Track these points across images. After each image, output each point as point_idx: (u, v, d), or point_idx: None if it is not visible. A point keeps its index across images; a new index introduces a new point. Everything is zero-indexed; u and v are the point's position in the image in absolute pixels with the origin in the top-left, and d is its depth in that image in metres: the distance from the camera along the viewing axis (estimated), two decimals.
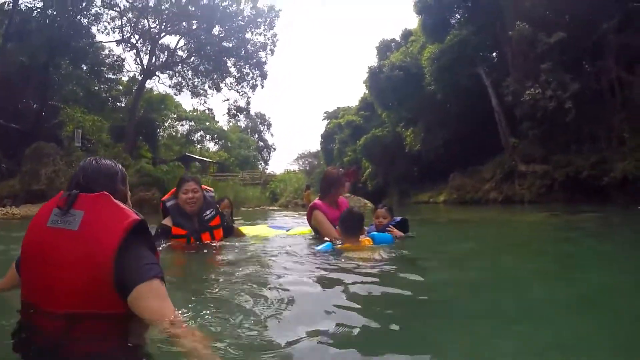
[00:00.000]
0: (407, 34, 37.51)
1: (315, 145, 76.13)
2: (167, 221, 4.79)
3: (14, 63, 28.55)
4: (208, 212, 5.00)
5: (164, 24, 35.01)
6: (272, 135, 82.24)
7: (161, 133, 50.76)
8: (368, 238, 4.86)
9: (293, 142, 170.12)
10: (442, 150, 32.48)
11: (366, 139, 41.03)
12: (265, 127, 79.21)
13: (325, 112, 57.61)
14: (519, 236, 7.91)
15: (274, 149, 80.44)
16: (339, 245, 4.67)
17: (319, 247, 4.62)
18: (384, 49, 38.78)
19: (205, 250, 4.73)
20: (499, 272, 4.03)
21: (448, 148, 31.95)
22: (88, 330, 1.91)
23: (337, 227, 5.03)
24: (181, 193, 4.84)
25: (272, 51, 37.75)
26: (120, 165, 2.37)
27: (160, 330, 1.81)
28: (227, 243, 5.10)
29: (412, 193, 36.22)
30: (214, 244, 4.89)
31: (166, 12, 34.27)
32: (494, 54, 31.19)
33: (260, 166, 67.82)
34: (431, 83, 30.41)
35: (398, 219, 5.82)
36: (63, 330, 1.90)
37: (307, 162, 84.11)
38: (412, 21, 37.86)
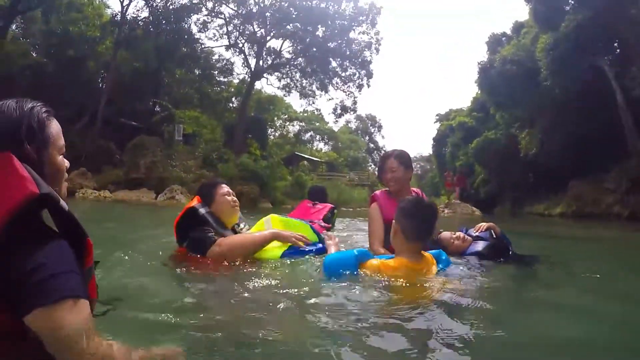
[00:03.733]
0: (518, 27, 34.77)
1: (427, 149, 73.97)
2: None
3: (128, 68, 31.84)
4: (242, 225, 4.15)
5: (269, 28, 36.24)
6: (382, 137, 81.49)
7: (272, 132, 52.93)
8: (430, 254, 3.23)
9: (404, 145, 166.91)
10: (560, 155, 29.06)
11: (478, 142, 38.64)
12: (376, 129, 78.71)
13: (437, 115, 55.54)
14: None
15: (384, 152, 77.50)
16: (380, 263, 3.02)
17: (329, 258, 3.17)
18: (495, 43, 36.22)
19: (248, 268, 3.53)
20: None
21: (567, 152, 28.58)
22: None
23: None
24: (220, 196, 3.91)
25: (377, 50, 37.77)
26: (35, 112, 1.56)
27: None
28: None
29: (525, 203, 32.85)
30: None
31: (270, 17, 35.51)
32: (616, 43, 27.60)
33: (369, 168, 66.87)
34: (547, 77, 27.36)
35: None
36: None
37: (418, 166, 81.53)
38: (523, 12, 35.18)
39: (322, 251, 3.80)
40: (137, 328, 2.06)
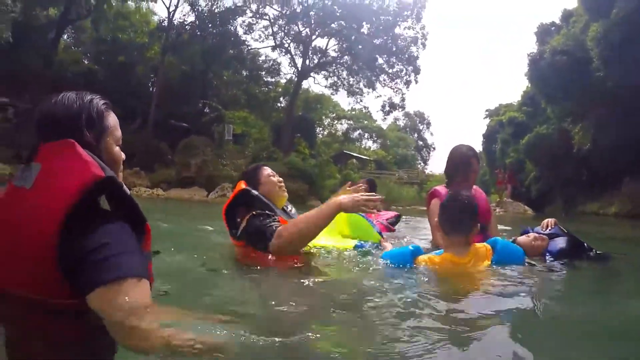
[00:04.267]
0: (567, 15, 33.32)
1: (477, 146, 73.07)
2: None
3: (176, 72, 32.78)
4: (289, 206, 3.98)
5: (314, 27, 36.31)
6: (431, 134, 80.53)
7: (321, 131, 53.20)
8: (487, 245, 3.25)
9: (454, 141, 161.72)
10: (614, 151, 27.44)
11: (529, 137, 37.24)
12: (425, 126, 77.26)
13: (486, 110, 54.09)
14: None
15: (434, 149, 77.38)
16: (427, 257, 3.20)
17: (387, 254, 3.35)
18: (544, 33, 34.80)
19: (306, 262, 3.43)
20: None
21: (621, 148, 26.86)
22: (31, 325, 1.49)
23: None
24: (265, 178, 3.70)
25: (423, 45, 37.21)
26: (95, 103, 1.71)
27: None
28: None
29: (578, 201, 31.26)
30: None
31: (314, 16, 35.57)
32: None
33: (419, 166, 66.35)
34: (599, 68, 25.97)
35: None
36: None
37: None
38: (572, 0, 34.04)
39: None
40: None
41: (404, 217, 6.96)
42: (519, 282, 2.90)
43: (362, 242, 3.99)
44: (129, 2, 33.09)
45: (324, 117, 53.47)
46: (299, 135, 36.66)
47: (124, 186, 1.58)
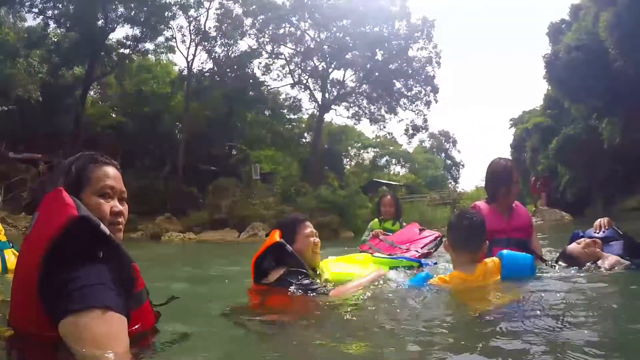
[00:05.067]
0: (576, 10, 32.60)
1: (506, 157, 71.60)
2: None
3: (200, 117, 33.47)
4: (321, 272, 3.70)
5: (329, 60, 36.70)
6: (459, 152, 78.62)
7: (348, 162, 53.46)
8: (495, 259, 3.18)
9: (482, 156, 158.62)
10: None
11: (558, 141, 36.07)
12: (451, 144, 76.64)
13: (510, 119, 53.14)
14: None
15: (463, 166, 76.90)
16: (437, 278, 3.19)
17: (408, 281, 3.33)
18: (555, 32, 34.14)
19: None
20: None
21: None
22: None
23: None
24: (303, 237, 3.42)
25: (438, 63, 37.30)
26: (81, 158, 1.93)
27: None
28: None
29: (617, 199, 30.13)
30: None
31: (328, 49, 36.04)
32: None
33: (450, 185, 65.58)
34: (617, 57, 25.23)
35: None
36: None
37: None
38: None
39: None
40: None
41: None
42: (528, 294, 2.80)
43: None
44: (149, 56, 34.54)
45: (349, 148, 53.62)
46: (327, 168, 36.84)
47: (102, 226, 1.64)
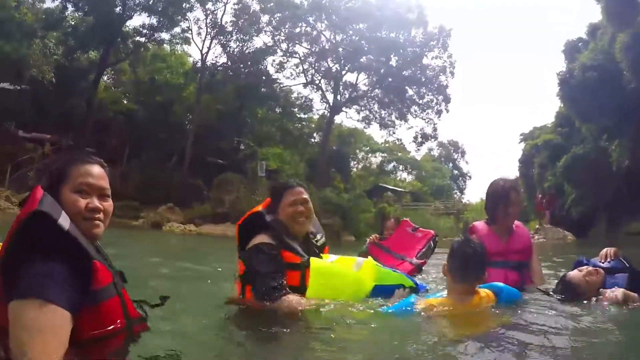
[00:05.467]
0: (593, 29, 32.38)
1: (513, 172, 70.37)
2: (263, 239, 3.10)
3: (211, 110, 33.70)
4: (319, 236, 3.51)
5: (343, 62, 36.69)
6: (467, 163, 77.91)
7: (355, 165, 53.30)
8: (488, 291, 3.10)
9: (490, 169, 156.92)
10: None
11: (566, 159, 35.72)
12: (459, 154, 75.82)
13: (521, 134, 52.75)
14: None
15: (470, 177, 75.95)
16: (425, 302, 2.97)
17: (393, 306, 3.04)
18: (572, 50, 33.87)
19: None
20: None
21: None
22: None
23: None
24: (286, 205, 3.23)
25: (452, 73, 37.32)
26: (65, 156, 2.07)
27: None
28: None
29: (622, 221, 29.79)
30: None
31: (342, 52, 36.04)
32: None
33: (456, 195, 65.25)
34: (631, 80, 25.00)
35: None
36: None
37: None
38: (596, 12, 32.87)
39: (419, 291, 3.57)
40: None
41: (438, 250, 6.64)
42: (522, 321, 2.78)
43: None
44: (164, 45, 34.70)
45: (357, 151, 53.65)
46: (334, 169, 36.79)
47: (60, 220, 1.69)
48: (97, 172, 1.97)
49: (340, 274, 3.26)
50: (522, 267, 3.87)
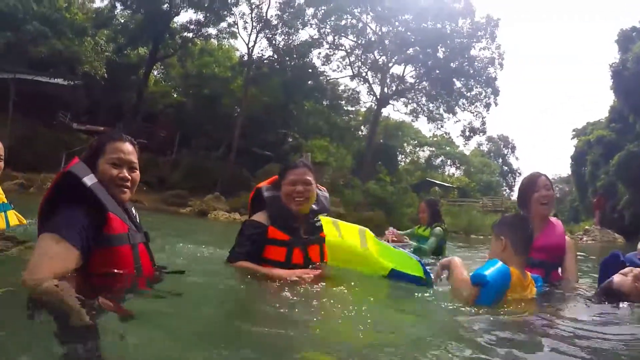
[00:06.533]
0: None
1: (565, 169, 66.81)
2: (260, 217, 3.20)
3: (258, 103, 34.28)
4: (316, 219, 3.43)
5: (390, 54, 36.36)
6: (516, 159, 75.15)
7: (403, 158, 52.81)
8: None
9: (541, 166, 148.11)
10: None
11: (620, 157, 33.93)
12: (509, 150, 73.25)
13: (573, 130, 50.84)
14: None
15: (519, 174, 72.14)
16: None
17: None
18: (625, 40, 32.02)
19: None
20: None
21: None
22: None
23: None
24: (286, 183, 3.19)
25: (500, 65, 36.29)
26: (103, 134, 2.57)
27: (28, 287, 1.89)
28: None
29: None
30: (320, 266, 3.27)
31: (389, 44, 35.74)
32: None
33: (504, 192, 63.14)
34: None
35: None
36: None
37: (557, 188, 74.31)
38: None
39: (422, 285, 3.42)
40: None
41: (476, 245, 6.54)
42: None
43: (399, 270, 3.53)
44: (212, 40, 35.38)
45: (405, 145, 52.84)
46: (380, 163, 36.47)
47: (84, 179, 2.15)
48: (127, 148, 2.43)
49: (352, 252, 3.57)
50: (548, 267, 3.54)
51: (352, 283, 3.01)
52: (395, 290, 3.31)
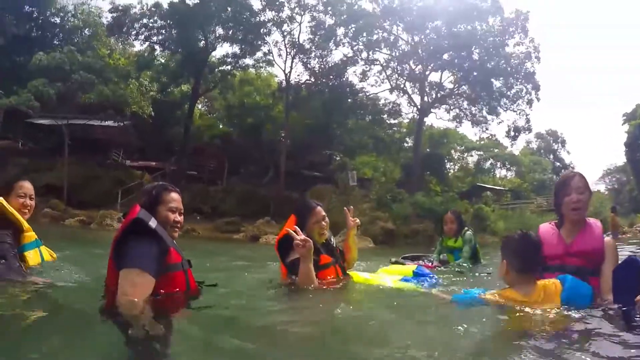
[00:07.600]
0: None
1: (620, 157, 62.93)
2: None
3: (300, 126, 35.30)
4: (333, 240, 4.25)
5: (425, 63, 36.06)
6: (568, 153, 71.03)
7: (452, 166, 52.18)
8: (554, 280, 2.96)
9: (594, 156, 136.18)
10: None
11: None
12: (560, 144, 70.13)
13: (623, 115, 48.37)
14: None
15: (573, 168, 67.87)
16: (490, 294, 3.11)
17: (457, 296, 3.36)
18: None
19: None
20: None
21: None
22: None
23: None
24: (312, 224, 3.99)
25: (537, 58, 35.07)
26: (158, 185, 3.18)
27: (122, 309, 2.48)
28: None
29: None
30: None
31: (423, 52, 35.50)
32: None
33: None
34: None
35: None
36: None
37: (614, 179, 70.27)
38: None
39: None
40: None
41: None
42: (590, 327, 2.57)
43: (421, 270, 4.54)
44: (250, 70, 36.46)
45: (452, 151, 51.83)
46: (429, 172, 36.04)
47: (150, 223, 2.73)
48: (178, 197, 3.11)
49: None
50: (584, 274, 3.18)
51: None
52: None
